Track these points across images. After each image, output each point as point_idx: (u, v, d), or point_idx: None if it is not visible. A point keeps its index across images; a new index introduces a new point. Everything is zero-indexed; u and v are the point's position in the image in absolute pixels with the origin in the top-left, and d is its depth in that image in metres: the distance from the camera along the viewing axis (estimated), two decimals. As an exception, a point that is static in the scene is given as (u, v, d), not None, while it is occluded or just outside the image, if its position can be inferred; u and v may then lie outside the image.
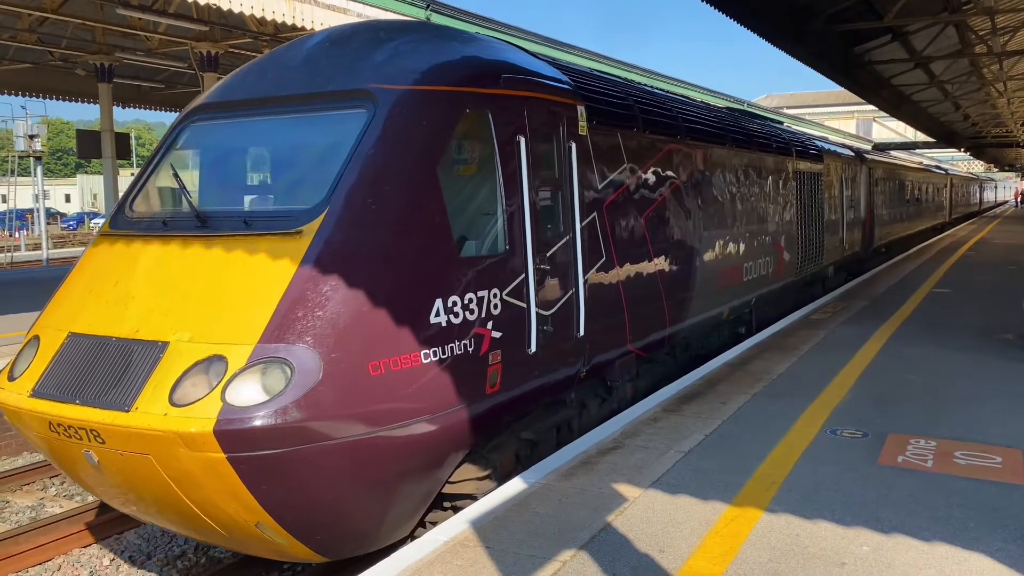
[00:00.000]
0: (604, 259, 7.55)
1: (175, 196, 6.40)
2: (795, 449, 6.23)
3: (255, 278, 5.19)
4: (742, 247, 11.38)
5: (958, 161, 66.57)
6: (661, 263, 8.82)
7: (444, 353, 5.47)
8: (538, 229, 6.50)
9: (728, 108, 14.07)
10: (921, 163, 37.80)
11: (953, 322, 11.78)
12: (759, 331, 11.56)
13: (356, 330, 5.04)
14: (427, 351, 5.35)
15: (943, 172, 41.91)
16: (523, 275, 6.26)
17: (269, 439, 4.69)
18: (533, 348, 6.37)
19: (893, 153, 33.56)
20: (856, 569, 4.32)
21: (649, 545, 4.63)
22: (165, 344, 5.04)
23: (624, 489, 5.46)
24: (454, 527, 4.96)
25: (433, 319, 5.42)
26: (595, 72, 9.05)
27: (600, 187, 7.57)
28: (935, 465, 5.85)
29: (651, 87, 10.73)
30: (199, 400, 4.75)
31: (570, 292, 6.92)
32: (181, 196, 6.15)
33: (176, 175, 6.12)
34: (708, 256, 10.12)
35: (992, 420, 6.92)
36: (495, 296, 5.97)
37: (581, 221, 7.14)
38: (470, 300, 5.72)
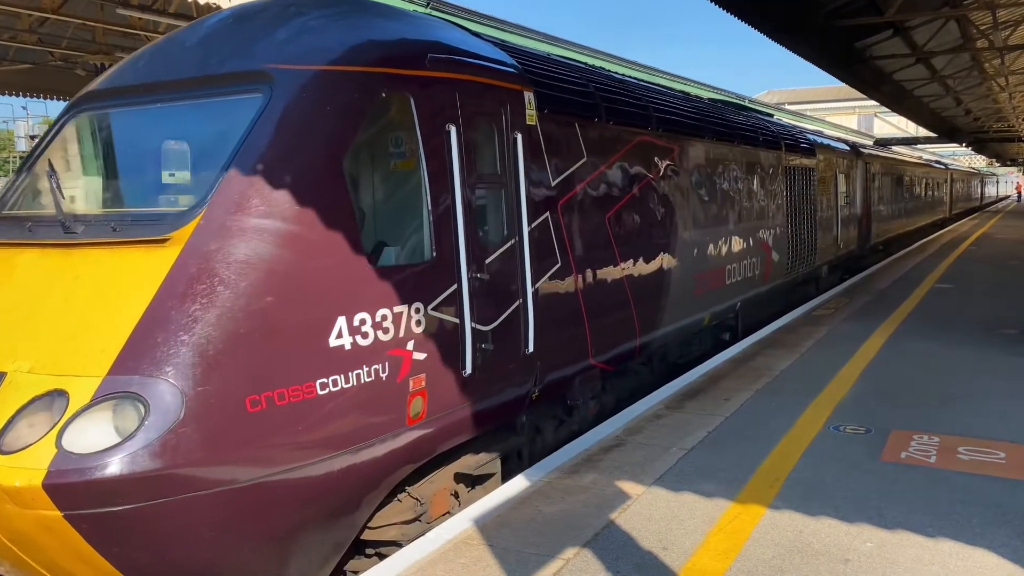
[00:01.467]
0: (559, 265, 6.79)
1: (48, 197, 5.38)
2: (798, 446, 6.22)
3: (113, 296, 4.41)
4: (725, 248, 10.63)
5: (960, 156, 66.49)
6: (629, 267, 8.04)
7: (348, 381, 4.73)
8: (474, 233, 5.74)
9: (711, 99, 13.30)
10: (921, 158, 37.40)
11: (956, 317, 11.76)
12: (746, 336, 10.98)
13: (230, 358, 4.26)
14: (324, 380, 4.60)
15: (943, 167, 41.26)
16: (455, 286, 5.51)
17: (116, 492, 3.95)
18: (468, 369, 5.59)
19: (893, 148, 33.52)
20: (860, 566, 4.31)
21: (652, 542, 4.63)
22: (2, 375, 4.25)
23: (627, 486, 5.46)
24: (457, 526, 4.96)
25: (334, 341, 4.67)
26: (549, 56, 8.16)
27: (554, 184, 6.81)
28: (938, 461, 5.84)
29: (620, 75, 9.75)
30: (31, 445, 3.98)
31: (516, 303, 6.17)
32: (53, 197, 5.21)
33: (52, 172, 5.02)
34: (685, 258, 9.36)
35: (995, 415, 6.91)
36: (418, 311, 5.21)
37: (529, 223, 6.36)
38: (384, 317, 4.97)
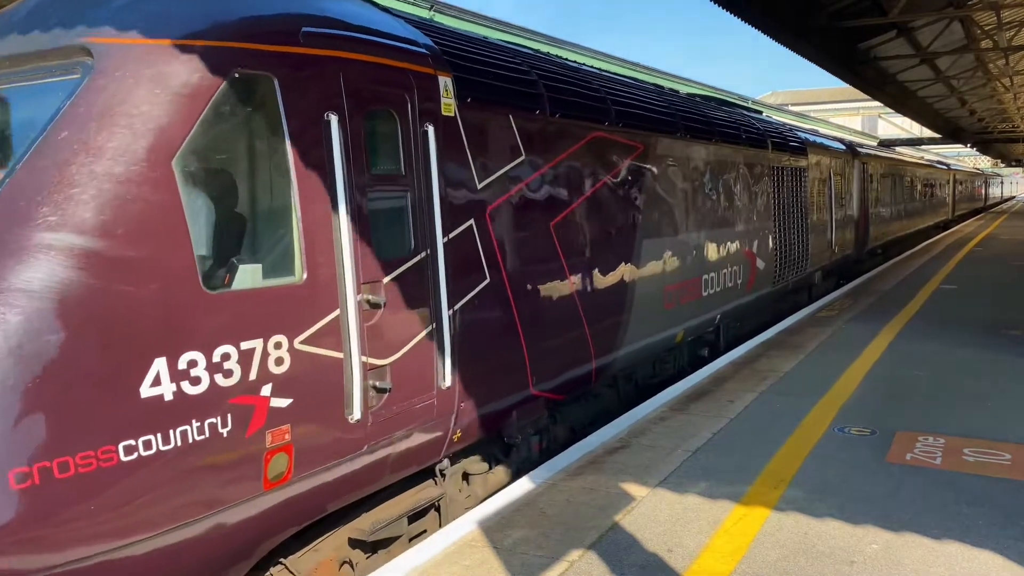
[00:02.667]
0: (488, 282, 5.85)
1: None
2: (803, 447, 6.21)
3: None
4: (701, 257, 9.67)
5: (965, 157, 66.35)
6: (580, 281, 7.10)
7: (167, 441, 3.79)
8: (366, 245, 4.78)
9: (689, 93, 12.18)
10: (923, 158, 36.91)
11: (960, 318, 11.74)
12: (729, 351, 10.26)
13: None
14: (132, 441, 3.67)
15: (945, 167, 40.73)
16: (336, 312, 4.56)
17: None
18: (357, 414, 4.65)
19: (896, 148, 33.41)
20: (865, 567, 4.30)
21: (657, 544, 4.62)
22: None
23: (632, 488, 5.45)
24: (461, 528, 4.96)
25: (148, 391, 3.72)
26: (477, 37, 7.04)
27: (481, 186, 5.85)
28: (944, 462, 5.82)
29: (573, 62, 8.57)
30: None
31: (426, 329, 5.22)
32: None
33: None
34: (652, 269, 8.41)
35: (1001, 417, 6.89)
36: (279, 346, 4.26)
37: (447, 232, 5.43)
38: (225, 357, 4.00)
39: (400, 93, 5.15)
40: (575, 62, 8.66)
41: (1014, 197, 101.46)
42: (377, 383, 4.84)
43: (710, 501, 5.20)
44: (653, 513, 5.05)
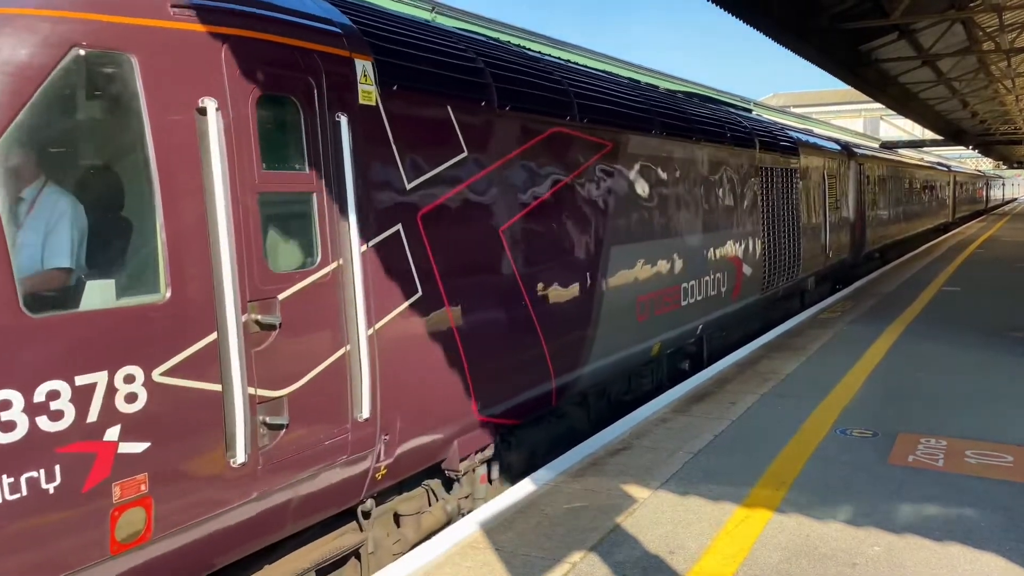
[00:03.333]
0: (419, 295, 5.17)
1: None
2: (805, 449, 6.20)
3: None
4: (679, 263, 8.98)
5: (967, 159, 66.31)
6: (537, 293, 6.41)
7: None
8: (255, 254, 4.11)
9: (668, 89, 11.36)
10: (922, 159, 36.50)
11: (963, 320, 11.73)
12: (712, 363, 9.69)
13: None
14: None
15: (945, 168, 40.08)
16: (212, 336, 3.89)
17: None
18: (241, 456, 3.94)
19: (898, 150, 33.34)
20: (868, 569, 4.30)
21: (659, 546, 4.62)
22: None
23: (633, 490, 5.45)
24: (463, 529, 4.96)
25: None
26: (414, 19, 6.34)
27: (411, 186, 5.16)
28: (946, 464, 5.82)
29: (530, 50, 7.79)
30: None
31: (337, 353, 4.55)
32: None
33: None
34: (622, 278, 7.73)
35: (1003, 419, 6.88)
36: (130, 380, 3.57)
37: (366, 238, 4.76)
38: (53, 395, 3.32)
39: (303, 78, 4.46)
40: (540, 52, 7.97)
41: (1016, 199, 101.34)
42: (268, 418, 4.15)
43: (712, 503, 5.20)
44: (655, 515, 5.04)
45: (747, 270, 11.15)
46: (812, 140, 15.72)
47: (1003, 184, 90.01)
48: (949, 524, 4.82)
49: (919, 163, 32.24)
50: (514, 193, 6.23)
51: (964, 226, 39.70)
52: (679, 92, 11.95)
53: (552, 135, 6.71)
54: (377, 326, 4.82)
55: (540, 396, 6.56)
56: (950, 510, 5.02)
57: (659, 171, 8.60)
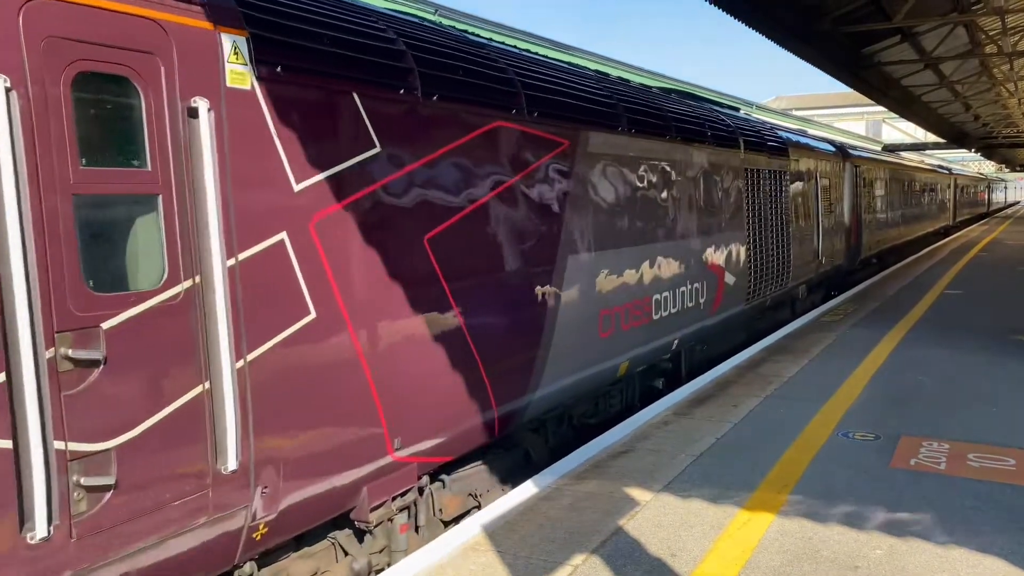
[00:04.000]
0: (312, 317, 4.37)
1: None
2: (807, 452, 6.20)
3: None
4: (651, 273, 8.16)
5: (969, 162, 66.27)
6: (472, 311, 5.55)
7: None
8: (64, 274, 3.35)
9: (641, 84, 10.26)
10: (922, 162, 35.97)
11: (966, 323, 11.72)
12: (691, 379, 9.04)
13: None
14: None
15: (946, 171, 39.47)
16: None
17: None
18: (42, 530, 3.20)
19: (899, 152, 33.26)
20: (870, 573, 4.30)
21: (661, 549, 4.62)
22: None
23: (635, 493, 5.46)
24: (466, 531, 4.96)
25: None
26: None
27: (300, 188, 4.36)
28: (948, 467, 5.82)
29: (475, 35, 6.96)
30: None
31: (190, 393, 3.79)
32: None
33: None
34: (581, 291, 6.92)
35: (1006, 422, 6.88)
36: None
37: (233, 251, 3.98)
38: None
39: (143, 54, 3.64)
40: (483, 37, 7.03)
41: (1019, 202, 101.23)
42: (87, 479, 3.35)
43: (714, 506, 5.20)
44: (657, 518, 5.05)
45: (730, 279, 10.31)
46: (804, 141, 14.96)
47: (1005, 187, 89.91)
48: (951, 527, 4.82)
49: (918, 165, 31.70)
50: (444, 196, 5.37)
51: (965, 230, 39.31)
52: (666, 89, 11.28)
53: (494, 130, 5.88)
54: (250, 357, 4.01)
55: (478, 427, 5.71)
56: (953, 513, 5.02)
57: (627, 172, 7.76)
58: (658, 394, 8.85)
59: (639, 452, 6.32)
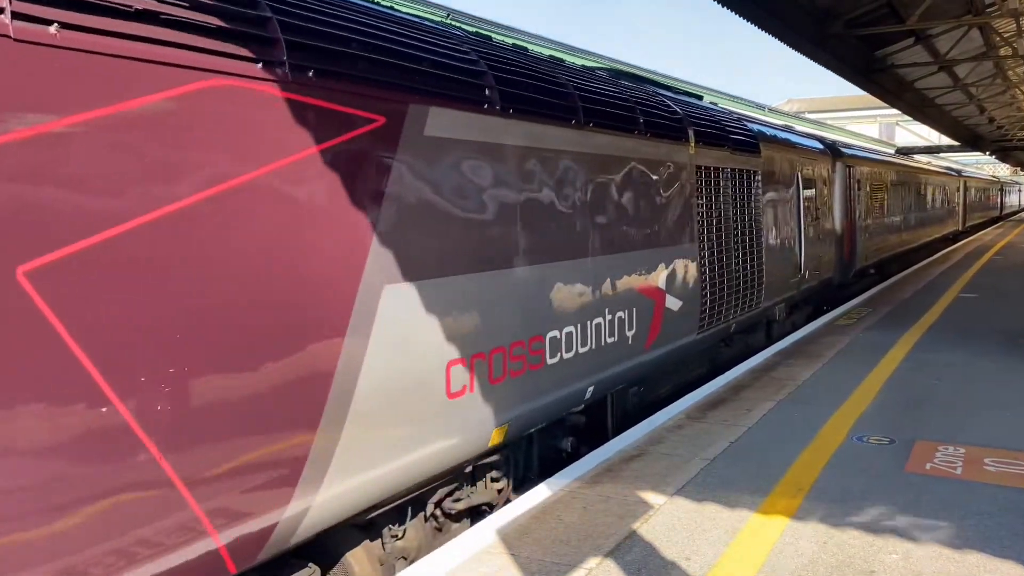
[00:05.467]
0: None
1: None
2: (821, 456, 6.18)
3: None
4: (541, 303, 6.10)
5: (984, 164, 65.86)
6: (144, 392, 3.42)
7: None
8: None
9: (555, 57, 8.14)
10: (929, 163, 34.28)
11: (981, 327, 11.64)
12: (624, 430, 7.26)
13: None
14: None
15: (955, 173, 37.64)
16: None
17: None
18: None
19: (914, 156, 33.03)
20: (885, 577, 4.28)
21: (675, 553, 4.61)
22: None
23: (649, 496, 5.44)
24: (479, 535, 4.96)
25: None
26: None
27: None
28: (964, 472, 5.78)
29: None
30: None
31: None
32: None
33: None
34: (403, 335, 4.77)
35: (1023, 426, 6.83)
36: None
37: None
38: None
39: None
40: None
41: None
42: None
43: (728, 510, 5.19)
44: (671, 521, 5.04)
45: (673, 304, 8.21)
46: (782, 136, 12.92)
47: (1020, 190, 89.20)
48: (967, 532, 4.79)
49: (923, 167, 29.61)
50: (82, 196, 3.21)
51: (977, 235, 37.86)
52: (618, 72, 9.65)
53: (206, 92, 3.69)
54: None
55: (263, 530, 3.92)
56: (968, 518, 4.99)
57: (499, 167, 5.70)
58: (567, 459, 6.87)
59: (652, 456, 6.31)
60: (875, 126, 59.25)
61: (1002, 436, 6.56)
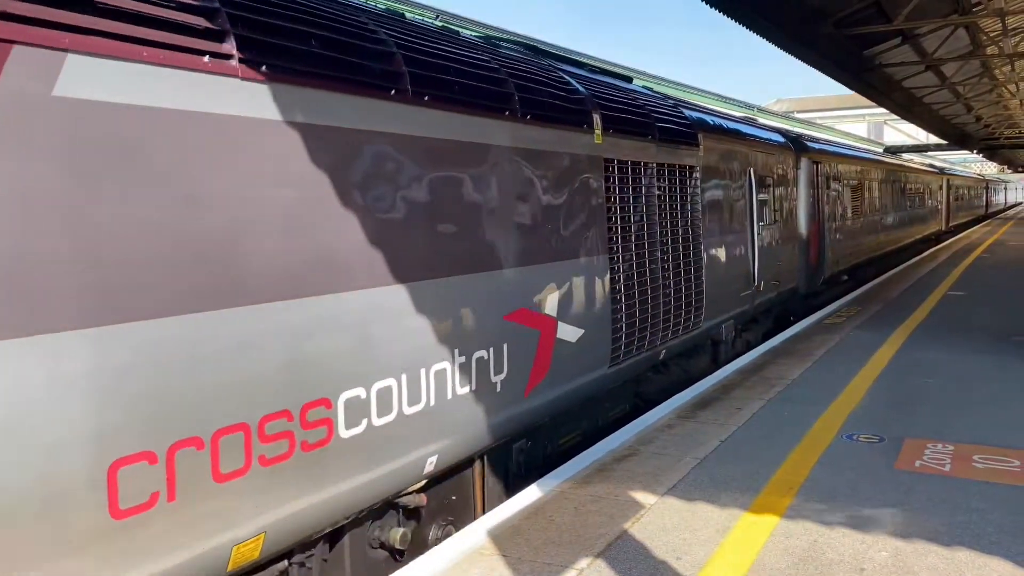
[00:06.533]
0: None
1: None
2: (812, 454, 6.20)
3: None
4: (323, 349, 4.30)
5: (971, 163, 66.23)
6: None
7: None
8: None
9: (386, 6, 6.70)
10: (911, 160, 32.94)
11: (969, 325, 11.71)
12: (503, 501, 5.72)
13: None
14: None
15: (937, 171, 36.23)
16: None
17: None
18: None
19: (903, 154, 33.08)
20: (875, 575, 4.29)
21: (666, 552, 4.62)
22: None
23: (640, 496, 5.45)
24: (470, 536, 4.96)
25: None
26: None
27: None
28: (953, 469, 5.81)
29: None
30: None
31: None
32: None
33: None
34: (68, 412, 3.13)
35: (1010, 423, 6.87)
36: None
37: None
38: None
39: None
40: None
41: (1020, 203, 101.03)
42: None
43: (719, 509, 5.20)
44: (661, 521, 5.05)
45: (570, 333, 6.57)
46: (730, 126, 11.24)
47: (1005, 188, 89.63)
48: (956, 529, 4.82)
49: (901, 164, 27.95)
50: None
51: (962, 235, 36.79)
52: (511, 42, 8.05)
53: None
54: None
55: None
56: (957, 515, 5.02)
57: (294, 162, 4.14)
58: (401, 557, 5.30)
59: (643, 455, 6.32)
60: (864, 125, 59.51)
61: (991, 433, 6.61)
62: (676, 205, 8.64)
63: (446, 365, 5.20)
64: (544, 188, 6.35)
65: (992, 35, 17.33)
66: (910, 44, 16.91)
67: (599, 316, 7.07)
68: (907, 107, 24.44)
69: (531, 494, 5.58)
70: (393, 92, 4.80)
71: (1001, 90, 25.11)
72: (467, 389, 5.42)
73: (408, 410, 4.86)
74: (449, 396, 5.23)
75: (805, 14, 13.27)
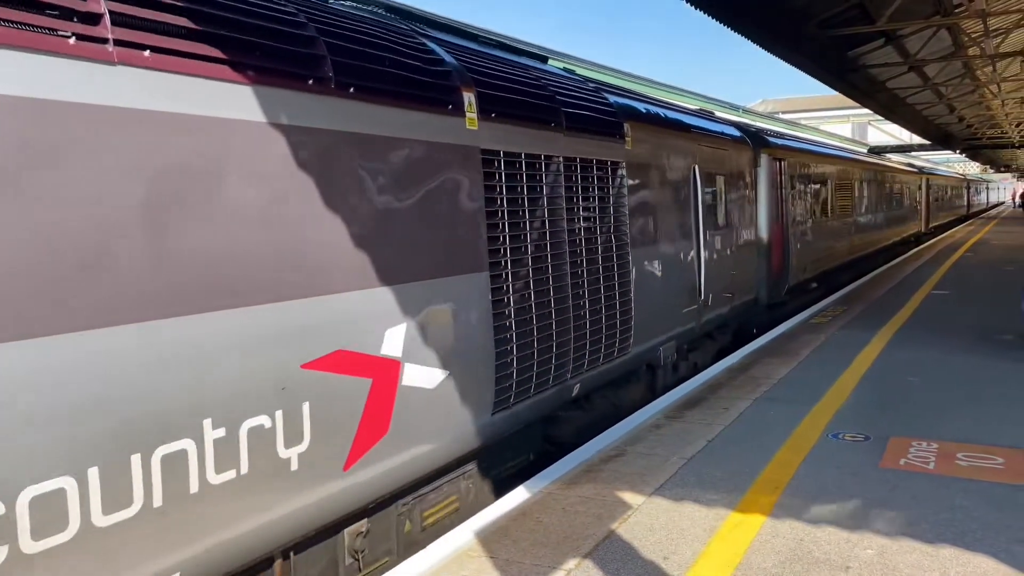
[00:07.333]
0: None
1: None
2: (798, 453, 6.23)
3: None
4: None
5: (955, 163, 66.76)
6: None
7: None
8: None
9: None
10: (887, 158, 31.88)
11: (953, 324, 11.80)
12: None
13: None
14: None
15: (916, 170, 34.90)
16: None
17: None
18: None
19: (888, 155, 33.27)
20: (861, 573, 4.32)
21: (654, 552, 4.63)
22: None
23: (627, 496, 5.46)
24: (458, 537, 4.96)
25: None
26: None
27: None
28: (937, 467, 5.85)
29: None
30: None
31: None
32: None
33: None
34: None
35: (993, 421, 6.93)
36: None
37: None
38: None
39: None
40: None
41: (1003, 203, 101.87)
42: None
43: (706, 508, 5.22)
44: (649, 521, 5.06)
45: (424, 378, 5.10)
46: (669, 116, 9.81)
47: (987, 188, 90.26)
48: (941, 526, 4.85)
49: (877, 162, 26.33)
50: None
51: (943, 235, 36.03)
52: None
53: None
54: None
55: None
56: (942, 513, 5.05)
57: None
58: None
59: (631, 455, 6.33)
60: (848, 126, 59.89)
61: (974, 431, 6.66)
62: (593, 208, 7.19)
63: (184, 445, 3.58)
64: (379, 187, 4.77)
65: (974, 36, 17.48)
66: (893, 45, 17.04)
67: (475, 350, 5.57)
68: (890, 108, 24.61)
69: (518, 496, 5.58)
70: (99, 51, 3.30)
71: (983, 91, 25.33)
72: (229, 474, 3.78)
73: (103, 520, 3.26)
74: (193, 489, 3.62)
75: (789, 15, 13.34)
